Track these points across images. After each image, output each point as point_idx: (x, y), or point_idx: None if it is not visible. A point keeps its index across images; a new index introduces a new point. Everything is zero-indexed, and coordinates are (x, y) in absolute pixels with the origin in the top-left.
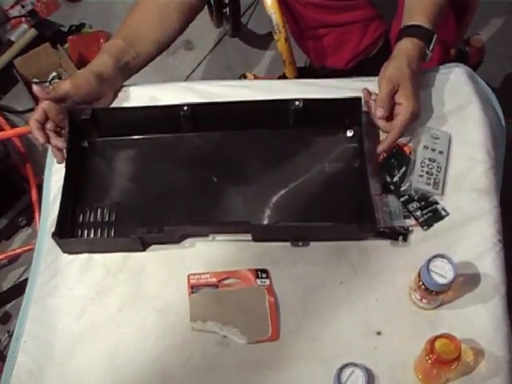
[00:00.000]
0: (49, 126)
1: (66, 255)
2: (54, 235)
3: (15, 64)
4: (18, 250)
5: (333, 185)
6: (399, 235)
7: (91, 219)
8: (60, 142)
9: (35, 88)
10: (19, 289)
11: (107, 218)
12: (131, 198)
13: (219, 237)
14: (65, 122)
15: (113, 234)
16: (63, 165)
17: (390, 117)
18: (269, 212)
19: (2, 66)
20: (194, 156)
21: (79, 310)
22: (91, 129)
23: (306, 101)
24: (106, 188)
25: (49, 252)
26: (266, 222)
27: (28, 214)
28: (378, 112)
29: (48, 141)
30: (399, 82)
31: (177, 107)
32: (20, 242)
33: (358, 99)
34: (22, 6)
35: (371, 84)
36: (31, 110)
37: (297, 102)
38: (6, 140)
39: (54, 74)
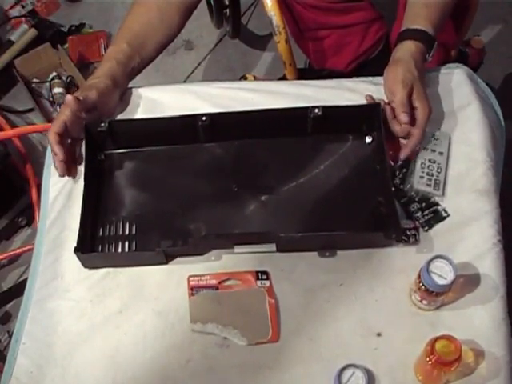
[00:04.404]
0: (66, 140)
1: (65, 257)
2: (76, 251)
3: (15, 64)
4: (18, 250)
5: (353, 191)
6: (410, 237)
7: (112, 233)
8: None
9: (69, 98)
10: (19, 289)
11: (127, 231)
12: (151, 209)
13: (242, 249)
14: (80, 134)
15: (134, 247)
16: None
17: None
18: (290, 220)
19: (1, 66)
20: (213, 166)
21: (79, 312)
22: (107, 141)
23: (325, 108)
24: (124, 201)
25: (48, 253)
26: (287, 230)
27: (28, 214)
28: (403, 117)
29: (65, 158)
30: (412, 84)
31: (195, 117)
32: (20, 242)
33: (378, 105)
34: (22, 6)
35: (372, 85)
36: (31, 110)
37: (316, 110)
38: (6, 140)
39: (54, 73)
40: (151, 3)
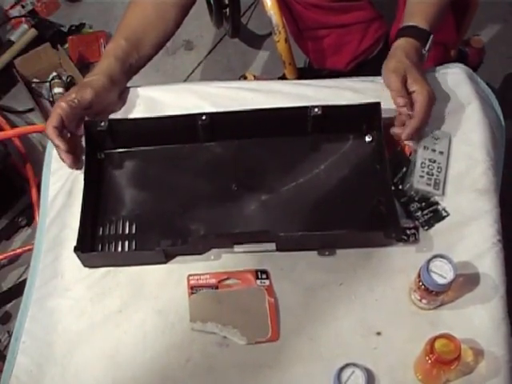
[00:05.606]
0: (65, 132)
1: (65, 256)
2: (76, 250)
3: (15, 64)
4: (18, 250)
5: (353, 191)
6: (409, 236)
7: (111, 232)
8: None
9: (62, 105)
10: (19, 289)
11: (127, 231)
12: (151, 209)
13: (242, 248)
14: (79, 129)
15: (134, 247)
16: (62, 165)
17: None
18: (289, 220)
19: (1, 66)
20: (213, 165)
21: (79, 311)
22: (107, 140)
23: (324, 107)
24: (124, 200)
25: (48, 252)
26: (286, 229)
27: (28, 214)
28: (400, 100)
29: (69, 149)
30: (405, 71)
31: (195, 116)
32: (20, 242)
33: (377, 104)
34: (22, 6)
35: (372, 84)
36: (31, 110)
37: (316, 109)
38: (6, 140)
39: (54, 74)
40: (146, 1)
